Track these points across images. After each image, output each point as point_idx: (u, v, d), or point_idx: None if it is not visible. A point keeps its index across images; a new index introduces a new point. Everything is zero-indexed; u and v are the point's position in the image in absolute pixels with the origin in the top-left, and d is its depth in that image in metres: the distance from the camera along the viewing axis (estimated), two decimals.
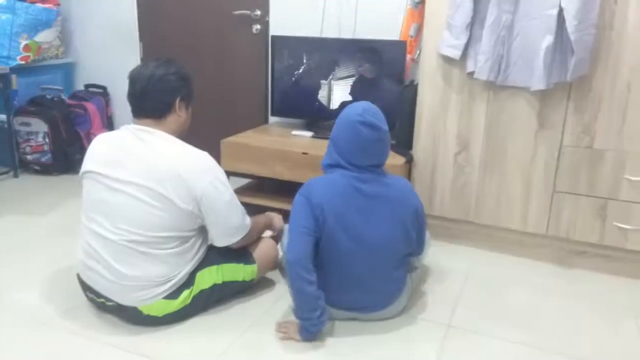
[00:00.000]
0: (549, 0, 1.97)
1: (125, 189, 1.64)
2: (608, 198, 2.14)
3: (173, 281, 1.70)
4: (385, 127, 1.71)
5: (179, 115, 1.78)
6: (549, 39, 1.98)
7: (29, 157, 3.31)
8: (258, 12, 3.06)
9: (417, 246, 1.86)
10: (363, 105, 1.71)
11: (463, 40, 2.15)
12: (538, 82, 2.04)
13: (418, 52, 2.54)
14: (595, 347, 1.74)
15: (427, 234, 1.93)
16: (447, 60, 2.24)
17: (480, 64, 2.12)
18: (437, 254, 2.34)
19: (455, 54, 2.18)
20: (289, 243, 1.64)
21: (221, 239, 1.78)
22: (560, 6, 1.95)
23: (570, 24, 1.93)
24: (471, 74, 2.20)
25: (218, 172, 1.72)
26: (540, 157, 2.21)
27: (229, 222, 1.76)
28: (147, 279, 1.66)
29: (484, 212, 2.36)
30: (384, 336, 1.75)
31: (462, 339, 1.76)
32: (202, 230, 1.80)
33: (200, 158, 1.71)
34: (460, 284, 2.12)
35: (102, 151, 1.74)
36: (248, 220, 1.83)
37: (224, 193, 1.71)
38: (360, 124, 1.66)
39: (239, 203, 1.78)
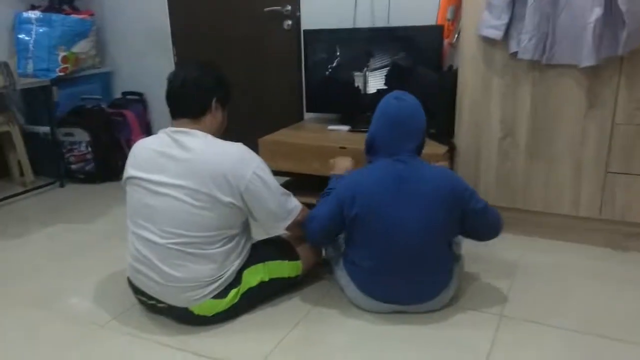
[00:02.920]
0: None
1: (168, 192, 1.66)
2: None
3: (220, 280, 1.71)
4: (418, 107, 1.76)
5: (215, 116, 1.79)
6: (597, 12, 1.88)
7: (73, 166, 3.39)
8: (289, 8, 3.05)
9: (487, 230, 1.82)
10: (397, 91, 1.82)
11: (505, 20, 2.07)
12: (587, 58, 1.95)
13: (456, 35, 2.46)
14: None
15: (495, 215, 1.81)
16: (488, 42, 2.17)
17: (524, 43, 2.04)
18: (485, 242, 2.28)
19: (497, 34, 2.10)
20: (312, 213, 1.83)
21: (272, 224, 1.79)
22: None
23: None
24: (514, 54, 2.11)
25: (258, 161, 1.73)
26: (590, 138, 2.12)
27: (278, 207, 1.75)
28: (195, 280, 1.67)
29: (532, 198, 2.28)
30: (434, 327, 1.72)
31: (517, 329, 1.70)
32: (246, 229, 1.81)
33: (239, 151, 1.72)
34: (511, 272, 2.06)
35: (142, 156, 1.76)
36: (294, 202, 1.81)
37: (267, 181, 1.71)
38: (391, 98, 1.77)
39: (281, 187, 1.78)
